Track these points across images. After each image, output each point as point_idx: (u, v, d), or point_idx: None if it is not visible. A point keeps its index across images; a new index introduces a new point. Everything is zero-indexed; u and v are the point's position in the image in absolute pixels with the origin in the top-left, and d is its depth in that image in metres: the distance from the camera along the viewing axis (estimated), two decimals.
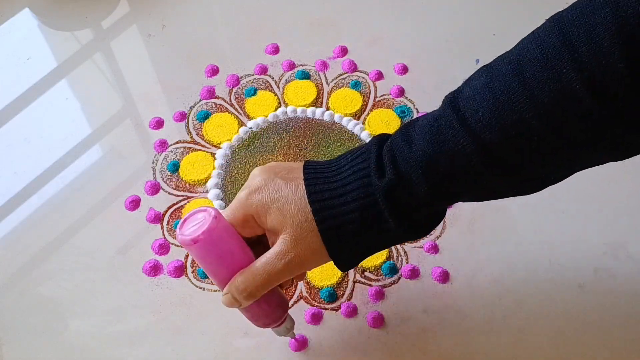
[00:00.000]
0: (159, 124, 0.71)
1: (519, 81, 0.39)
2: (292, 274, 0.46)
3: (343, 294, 0.59)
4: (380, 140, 0.46)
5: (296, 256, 0.45)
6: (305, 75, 0.74)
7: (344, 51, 0.76)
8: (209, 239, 0.45)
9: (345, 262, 0.47)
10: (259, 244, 0.49)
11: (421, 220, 0.46)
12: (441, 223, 0.63)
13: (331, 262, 0.57)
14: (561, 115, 0.38)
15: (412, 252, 0.61)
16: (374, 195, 0.44)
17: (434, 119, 0.43)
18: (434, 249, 0.61)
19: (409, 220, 0.44)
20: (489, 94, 0.40)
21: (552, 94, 0.38)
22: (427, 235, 0.50)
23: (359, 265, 0.60)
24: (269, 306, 0.49)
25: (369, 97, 0.72)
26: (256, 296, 0.47)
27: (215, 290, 0.60)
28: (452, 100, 0.43)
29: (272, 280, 0.46)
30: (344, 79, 0.74)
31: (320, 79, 0.74)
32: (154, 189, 0.66)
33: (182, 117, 0.71)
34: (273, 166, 0.48)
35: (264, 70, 0.75)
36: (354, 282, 0.60)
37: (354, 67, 0.75)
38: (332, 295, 0.59)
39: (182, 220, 0.47)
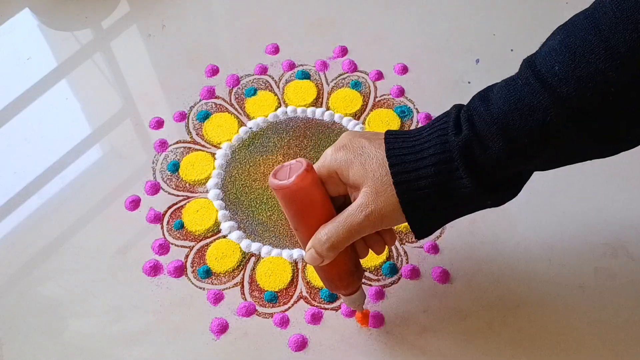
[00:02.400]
0: (159, 124, 0.71)
1: (594, 33, 0.39)
2: (373, 228, 0.47)
3: None
4: (461, 105, 0.47)
5: (376, 209, 0.46)
6: (305, 75, 0.74)
7: (344, 51, 0.76)
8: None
9: (420, 222, 0.47)
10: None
11: (497, 182, 0.45)
12: (438, 232, 0.63)
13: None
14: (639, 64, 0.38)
15: (412, 252, 0.61)
16: (450, 152, 0.44)
17: (512, 79, 0.43)
18: (434, 249, 0.61)
19: (484, 180, 0.44)
20: (564, 49, 0.41)
21: (630, 44, 0.38)
22: (508, 201, 0.48)
23: None
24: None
25: (369, 97, 0.72)
26: (338, 248, 0.48)
27: (215, 289, 0.60)
28: (529, 60, 0.43)
29: (354, 232, 0.47)
30: (344, 79, 0.74)
31: (320, 79, 0.74)
32: (154, 189, 0.66)
33: (182, 117, 0.71)
34: (360, 131, 0.51)
35: (264, 70, 0.75)
36: None
37: (354, 67, 0.74)
38: (332, 295, 0.59)
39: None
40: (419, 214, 0.46)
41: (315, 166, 0.49)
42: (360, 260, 0.53)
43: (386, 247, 0.53)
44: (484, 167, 0.44)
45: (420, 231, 0.48)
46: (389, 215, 0.46)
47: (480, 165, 0.44)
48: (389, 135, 0.48)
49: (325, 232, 0.48)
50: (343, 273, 0.51)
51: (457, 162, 0.44)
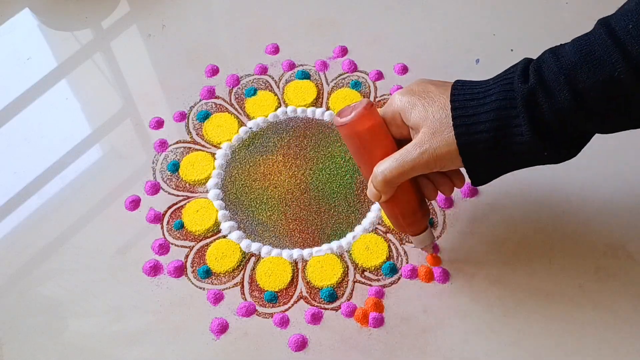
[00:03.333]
0: (159, 124, 0.71)
1: None
2: (426, 167, 0.49)
3: (343, 294, 0.59)
4: (530, 58, 0.48)
5: (430, 148, 0.48)
6: (305, 75, 0.74)
7: (344, 51, 0.76)
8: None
9: (475, 167, 0.49)
10: None
11: (556, 137, 0.46)
12: (438, 231, 0.63)
13: (333, 263, 0.57)
14: None
15: (412, 252, 0.61)
16: (513, 99, 0.45)
17: (584, 35, 0.45)
18: (434, 249, 0.61)
19: (544, 132, 0.45)
20: None
21: None
22: (565, 159, 0.49)
23: (359, 264, 0.60)
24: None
25: (369, 97, 0.72)
26: (392, 183, 0.50)
27: (215, 289, 0.60)
28: (604, 20, 0.44)
29: (407, 168, 0.49)
30: (344, 79, 0.74)
31: (320, 79, 0.74)
32: (154, 189, 0.66)
33: (182, 117, 0.71)
34: (430, 79, 0.52)
35: (264, 70, 0.75)
36: (354, 282, 0.60)
37: (354, 67, 0.74)
38: (332, 295, 0.59)
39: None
40: (474, 158, 0.48)
41: (381, 109, 0.52)
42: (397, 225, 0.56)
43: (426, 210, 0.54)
44: (546, 119, 0.45)
45: (476, 177, 0.50)
46: (444, 156, 0.48)
47: (542, 116, 0.45)
48: (457, 83, 0.50)
49: (380, 168, 0.50)
50: (406, 212, 0.54)
51: (519, 109, 0.45)
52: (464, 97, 0.48)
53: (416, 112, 0.49)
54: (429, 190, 0.54)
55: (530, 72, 0.46)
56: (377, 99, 0.72)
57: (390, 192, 0.51)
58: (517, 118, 0.45)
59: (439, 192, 0.54)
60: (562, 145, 0.47)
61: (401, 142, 0.52)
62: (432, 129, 0.48)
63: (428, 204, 0.58)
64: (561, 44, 0.46)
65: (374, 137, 0.51)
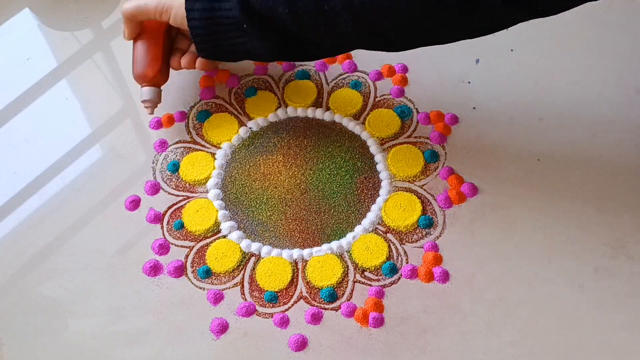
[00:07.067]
0: (159, 124, 0.71)
1: None
2: (157, 11, 0.62)
3: (343, 294, 0.59)
4: None
5: None
6: (305, 75, 0.74)
7: None
8: None
9: (195, 29, 0.61)
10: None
11: (263, 22, 0.58)
12: (438, 231, 0.63)
13: (333, 263, 0.57)
14: None
15: (412, 252, 0.61)
16: None
17: None
18: (434, 249, 0.61)
19: (251, 13, 0.57)
20: None
21: None
22: (264, 52, 0.62)
23: (359, 264, 0.60)
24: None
25: (369, 97, 0.72)
26: (128, 17, 0.64)
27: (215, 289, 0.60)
28: None
29: (141, 6, 0.63)
30: (344, 79, 0.74)
31: (320, 79, 0.74)
32: (154, 189, 0.66)
33: (182, 117, 0.71)
34: None
35: (264, 70, 0.75)
36: (354, 282, 0.60)
37: (354, 67, 0.74)
38: (332, 295, 0.59)
39: None
40: (194, 19, 0.60)
41: None
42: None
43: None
44: (252, 3, 0.57)
45: (199, 44, 0.62)
46: (171, 4, 0.61)
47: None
48: None
49: (125, 4, 0.63)
50: (144, 60, 0.66)
51: None
52: None
53: None
54: (176, 60, 0.67)
55: None
56: (377, 99, 0.72)
57: (130, 30, 0.65)
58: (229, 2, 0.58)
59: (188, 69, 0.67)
60: (264, 30, 0.58)
61: None
62: None
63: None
64: None
65: None
